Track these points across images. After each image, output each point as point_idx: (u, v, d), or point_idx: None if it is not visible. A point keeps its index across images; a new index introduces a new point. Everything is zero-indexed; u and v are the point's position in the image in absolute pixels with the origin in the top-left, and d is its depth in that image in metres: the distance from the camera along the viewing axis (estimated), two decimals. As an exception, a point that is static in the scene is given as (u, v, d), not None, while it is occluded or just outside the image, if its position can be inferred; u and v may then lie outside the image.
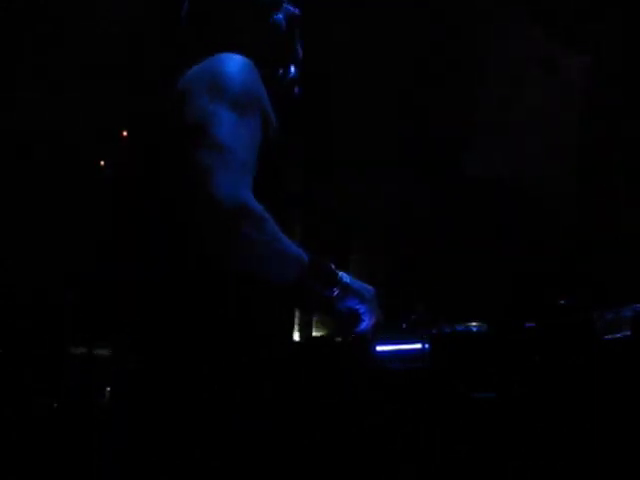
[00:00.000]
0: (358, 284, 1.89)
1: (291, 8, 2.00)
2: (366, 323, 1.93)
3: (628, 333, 2.01)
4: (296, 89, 2.00)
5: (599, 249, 3.83)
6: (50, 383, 3.73)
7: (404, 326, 2.10)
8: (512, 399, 2.04)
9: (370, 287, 1.93)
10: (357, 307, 1.89)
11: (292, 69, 2.00)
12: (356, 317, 1.91)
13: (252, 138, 1.73)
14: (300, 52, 2.03)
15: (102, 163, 3.82)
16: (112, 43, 3.93)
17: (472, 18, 4.17)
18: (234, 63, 1.79)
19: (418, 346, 2.01)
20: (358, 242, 4.04)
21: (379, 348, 1.99)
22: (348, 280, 1.85)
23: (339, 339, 2.02)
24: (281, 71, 1.98)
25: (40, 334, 3.87)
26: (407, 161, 4.17)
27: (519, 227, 4.03)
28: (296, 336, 2.42)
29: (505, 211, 4.10)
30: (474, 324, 2.10)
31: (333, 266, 1.82)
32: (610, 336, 2.02)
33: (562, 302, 2.11)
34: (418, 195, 4.12)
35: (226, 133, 1.67)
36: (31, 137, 4.05)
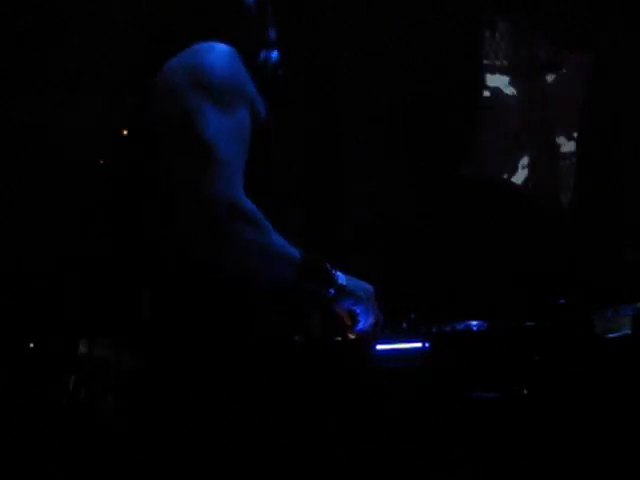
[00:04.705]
0: (354, 284, 1.87)
1: None
2: (362, 323, 1.92)
3: (628, 332, 2.01)
4: (280, 71, 1.94)
5: (600, 248, 3.83)
6: (49, 381, 3.73)
7: (404, 325, 2.10)
8: (512, 399, 2.04)
9: (368, 286, 1.91)
10: (353, 308, 1.88)
11: (274, 54, 1.94)
12: (352, 317, 1.90)
13: (239, 132, 1.69)
14: (273, 33, 1.96)
15: (102, 162, 3.82)
16: (111, 43, 3.93)
17: (475, 23, 4.17)
18: (215, 54, 1.73)
19: (418, 345, 2.01)
20: (359, 241, 4.03)
21: (379, 347, 1.99)
22: (344, 281, 1.83)
23: (339, 338, 2.02)
24: (263, 56, 1.92)
25: (38, 332, 3.86)
26: (408, 162, 4.18)
27: (519, 227, 4.03)
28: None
29: (506, 212, 4.09)
30: (474, 323, 2.10)
31: (329, 266, 1.81)
32: (610, 335, 2.02)
33: (562, 301, 2.11)
34: (419, 196, 4.12)
35: (211, 131, 1.63)
36: (31, 136, 4.05)
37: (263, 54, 1.89)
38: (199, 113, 1.66)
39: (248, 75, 1.77)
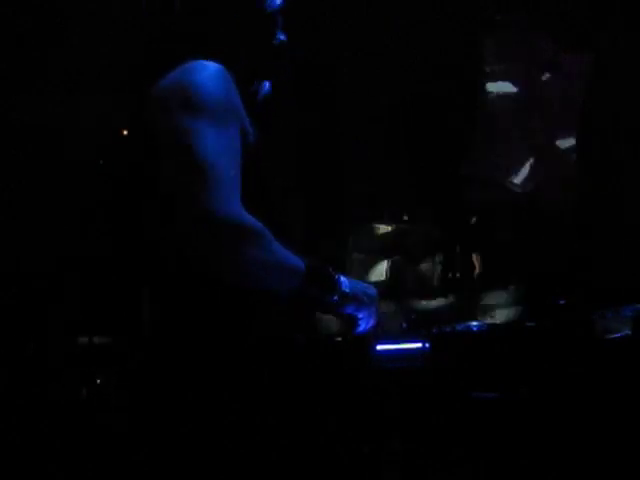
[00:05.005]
0: (358, 288, 1.87)
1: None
2: (363, 327, 1.92)
3: (628, 333, 2.01)
4: (269, 100, 1.96)
5: (600, 248, 3.82)
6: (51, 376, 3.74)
7: (404, 325, 2.10)
8: (512, 399, 2.04)
9: (371, 289, 1.91)
10: (355, 312, 1.88)
11: (266, 85, 1.96)
12: (354, 321, 1.90)
13: (233, 148, 1.70)
14: (284, 38, 1.96)
15: (102, 162, 3.82)
16: (111, 43, 3.93)
17: (475, 22, 4.17)
18: (206, 73, 1.74)
19: (418, 345, 2.01)
20: (360, 239, 4.03)
21: (379, 347, 1.99)
22: (347, 287, 1.83)
23: (339, 339, 2.02)
24: (255, 86, 1.93)
25: (38, 332, 3.87)
26: (408, 162, 4.18)
27: (520, 227, 4.03)
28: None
29: (506, 212, 4.09)
30: (474, 323, 2.10)
31: (333, 272, 1.81)
32: (610, 336, 2.02)
33: (562, 301, 2.11)
34: (419, 196, 4.12)
35: (208, 150, 1.64)
36: (31, 136, 4.05)
37: (256, 84, 1.91)
38: (194, 132, 1.66)
39: (237, 94, 1.78)
